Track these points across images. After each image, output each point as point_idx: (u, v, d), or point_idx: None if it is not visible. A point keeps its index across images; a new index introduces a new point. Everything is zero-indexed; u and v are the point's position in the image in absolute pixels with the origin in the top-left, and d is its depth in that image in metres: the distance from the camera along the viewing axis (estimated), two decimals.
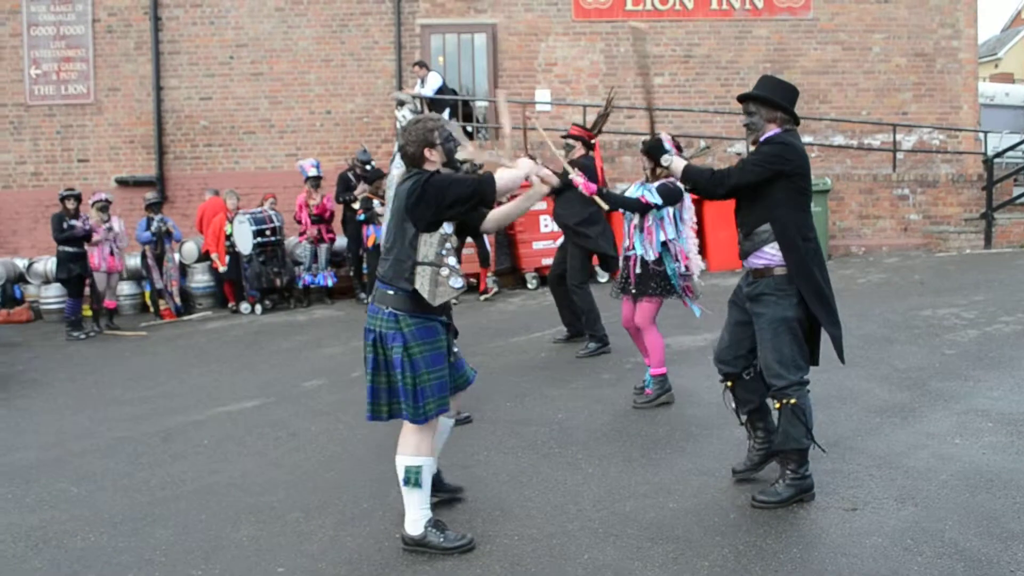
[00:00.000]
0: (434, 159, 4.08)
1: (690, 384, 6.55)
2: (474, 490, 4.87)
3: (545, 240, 12.24)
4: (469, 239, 11.04)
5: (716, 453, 5.10)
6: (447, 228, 4.05)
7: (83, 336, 11.29)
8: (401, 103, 8.90)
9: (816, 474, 4.60)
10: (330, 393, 7.45)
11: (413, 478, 4.00)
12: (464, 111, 14.72)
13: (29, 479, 5.73)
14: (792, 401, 4.20)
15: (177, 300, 12.68)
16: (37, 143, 14.81)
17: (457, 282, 4.01)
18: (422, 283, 3.94)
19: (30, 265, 13.53)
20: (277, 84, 14.99)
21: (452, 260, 4.03)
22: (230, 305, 12.64)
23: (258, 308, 12.15)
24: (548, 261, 12.41)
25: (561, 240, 8.44)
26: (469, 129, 14.33)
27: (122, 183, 14.71)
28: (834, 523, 4.07)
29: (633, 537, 4.06)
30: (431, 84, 13.78)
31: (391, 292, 3.99)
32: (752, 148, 4.45)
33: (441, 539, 4.03)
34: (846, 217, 13.42)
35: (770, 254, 4.29)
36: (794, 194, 4.28)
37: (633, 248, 6.13)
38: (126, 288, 13.29)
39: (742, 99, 4.44)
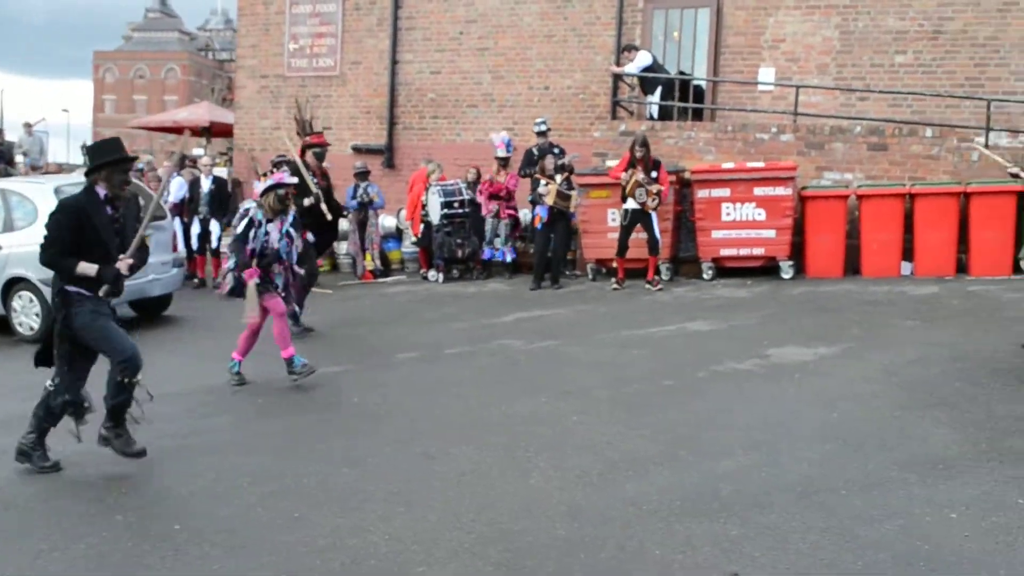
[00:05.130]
0: None
1: (746, 402, 5.98)
2: (411, 482, 4.87)
3: (725, 229, 11.52)
4: (639, 224, 10.99)
5: (670, 485, 4.66)
6: None
7: None
8: None
9: (747, 525, 4.07)
10: (400, 369, 7.72)
11: None
12: (681, 90, 14.12)
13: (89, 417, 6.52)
14: None
15: (378, 263, 13.60)
16: (291, 111, 16.38)
17: None
18: None
19: None
20: (500, 59, 15.35)
21: None
22: (421, 271, 13.32)
23: (440, 276, 12.68)
24: (727, 252, 11.72)
25: None
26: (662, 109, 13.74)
27: (356, 150, 15.89)
28: None
29: (489, 564, 3.85)
30: (639, 61, 13.41)
31: None
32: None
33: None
34: None
35: None
36: None
37: None
38: (343, 247, 14.45)
39: None
